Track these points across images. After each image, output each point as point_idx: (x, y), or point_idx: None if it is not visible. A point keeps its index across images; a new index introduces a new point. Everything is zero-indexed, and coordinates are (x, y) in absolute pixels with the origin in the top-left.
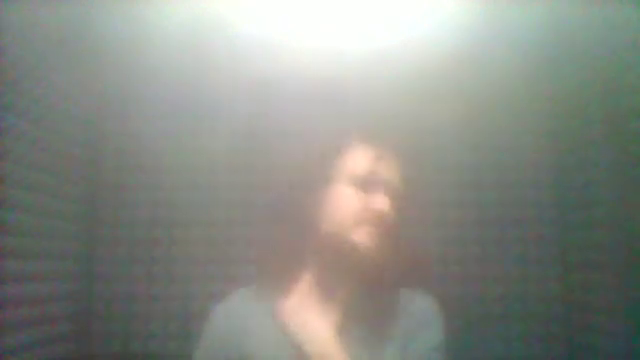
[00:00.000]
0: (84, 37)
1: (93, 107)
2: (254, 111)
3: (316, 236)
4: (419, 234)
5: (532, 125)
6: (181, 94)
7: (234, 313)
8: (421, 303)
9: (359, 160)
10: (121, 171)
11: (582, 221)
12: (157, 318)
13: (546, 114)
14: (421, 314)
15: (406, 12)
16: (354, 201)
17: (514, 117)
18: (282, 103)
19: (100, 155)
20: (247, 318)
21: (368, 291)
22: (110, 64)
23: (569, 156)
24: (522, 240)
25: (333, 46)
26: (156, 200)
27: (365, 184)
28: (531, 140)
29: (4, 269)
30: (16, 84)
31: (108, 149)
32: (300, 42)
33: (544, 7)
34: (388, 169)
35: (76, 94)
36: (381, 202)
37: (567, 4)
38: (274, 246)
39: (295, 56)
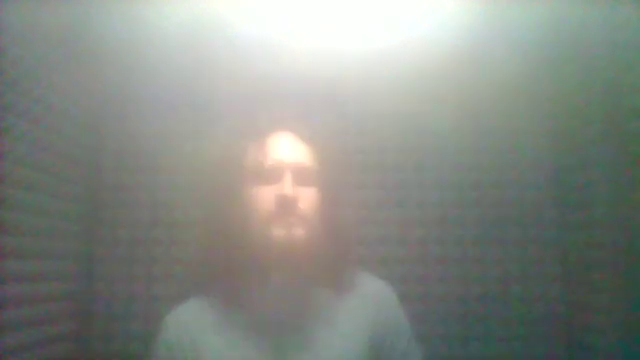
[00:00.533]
0: (84, 37)
1: (93, 107)
2: (254, 111)
3: (242, 238)
4: (418, 234)
5: (532, 125)
6: (181, 94)
7: (184, 325)
8: (375, 286)
9: (257, 154)
10: (121, 171)
11: (582, 221)
12: (157, 318)
13: (546, 114)
14: (378, 298)
15: (406, 12)
16: (262, 195)
17: (514, 117)
18: (282, 103)
19: (100, 155)
20: (198, 329)
21: (310, 278)
22: (110, 64)
23: (569, 156)
24: (522, 240)
25: (333, 46)
26: (156, 200)
27: (269, 175)
28: (531, 140)
29: (4, 269)
30: (16, 84)
31: (108, 149)
32: (300, 42)
33: (544, 7)
34: (291, 153)
35: (76, 94)
36: (286, 187)
37: (567, 4)
38: (211, 252)
39: (295, 56)
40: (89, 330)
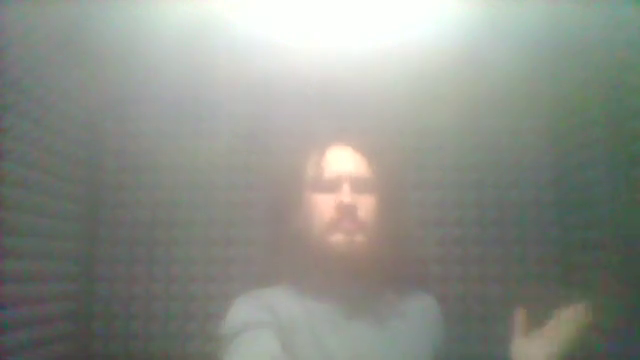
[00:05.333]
0: (84, 37)
1: (93, 107)
2: (254, 111)
3: (305, 243)
4: (419, 234)
5: (532, 125)
6: (181, 94)
7: (267, 306)
8: (430, 302)
9: (318, 165)
10: (121, 171)
11: (582, 221)
12: (157, 318)
13: (546, 114)
14: (435, 314)
15: (406, 12)
16: (323, 204)
17: (514, 117)
18: (282, 103)
19: (100, 155)
20: (283, 310)
21: (369, 287)
22: (110, 64)
23: (569, 156)
24: (522, 240)
25: (333, 46)
26: (156, 200)
27: (328, 185)
28: (531, 140)
29: (4, 269)
30: (17, 84)
31: (108, 149)
32: (300, 42)
33: (544, 7)
34: (348, 165)
35: (76, 94)
36: (344, 195)
37: (567, 4)
38: (277, 257)
39: (295, 56)
40: (89, 330)
